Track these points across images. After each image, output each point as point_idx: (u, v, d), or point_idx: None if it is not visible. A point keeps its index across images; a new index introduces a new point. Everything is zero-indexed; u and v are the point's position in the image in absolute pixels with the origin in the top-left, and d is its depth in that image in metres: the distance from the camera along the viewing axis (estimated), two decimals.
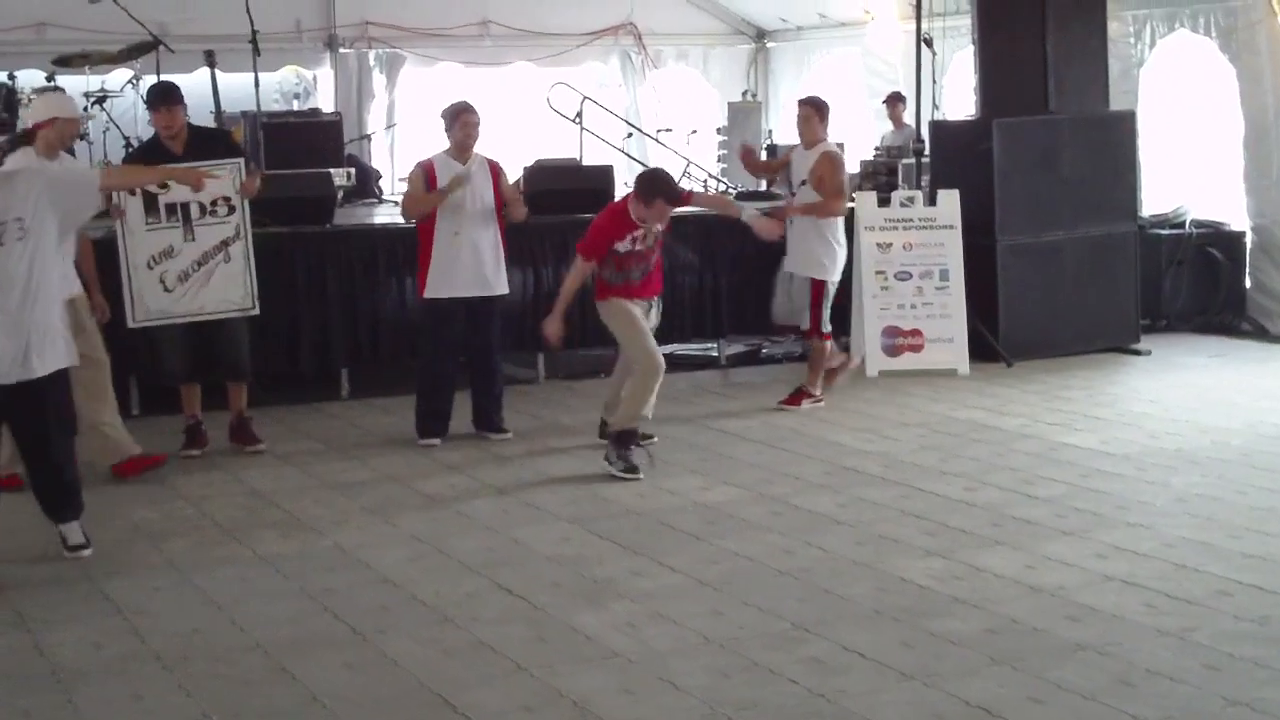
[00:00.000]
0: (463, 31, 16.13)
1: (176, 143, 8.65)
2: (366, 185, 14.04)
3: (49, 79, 13.57)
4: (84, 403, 8.00)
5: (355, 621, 5.99)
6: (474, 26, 16.19)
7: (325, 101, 15.77)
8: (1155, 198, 13.02)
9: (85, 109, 13.44)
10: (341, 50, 15.83)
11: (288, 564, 6.80)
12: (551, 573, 6.62)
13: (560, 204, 11.11)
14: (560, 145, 14.13)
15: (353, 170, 13.28)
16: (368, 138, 15.59)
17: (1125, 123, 12.02)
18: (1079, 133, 11.63)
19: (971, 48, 12.20)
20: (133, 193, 8.37)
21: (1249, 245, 12.46)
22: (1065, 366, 11.16)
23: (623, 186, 12.11)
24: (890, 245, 11.05)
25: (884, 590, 6.27)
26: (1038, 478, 8.05)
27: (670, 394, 9.86)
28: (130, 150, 10.43)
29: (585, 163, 13.03)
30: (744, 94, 17.01)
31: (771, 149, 14.59)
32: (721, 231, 11.17)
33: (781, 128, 16.64)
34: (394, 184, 14.40)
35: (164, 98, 8.68)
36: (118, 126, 13.21)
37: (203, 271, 8.67)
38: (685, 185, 13.10)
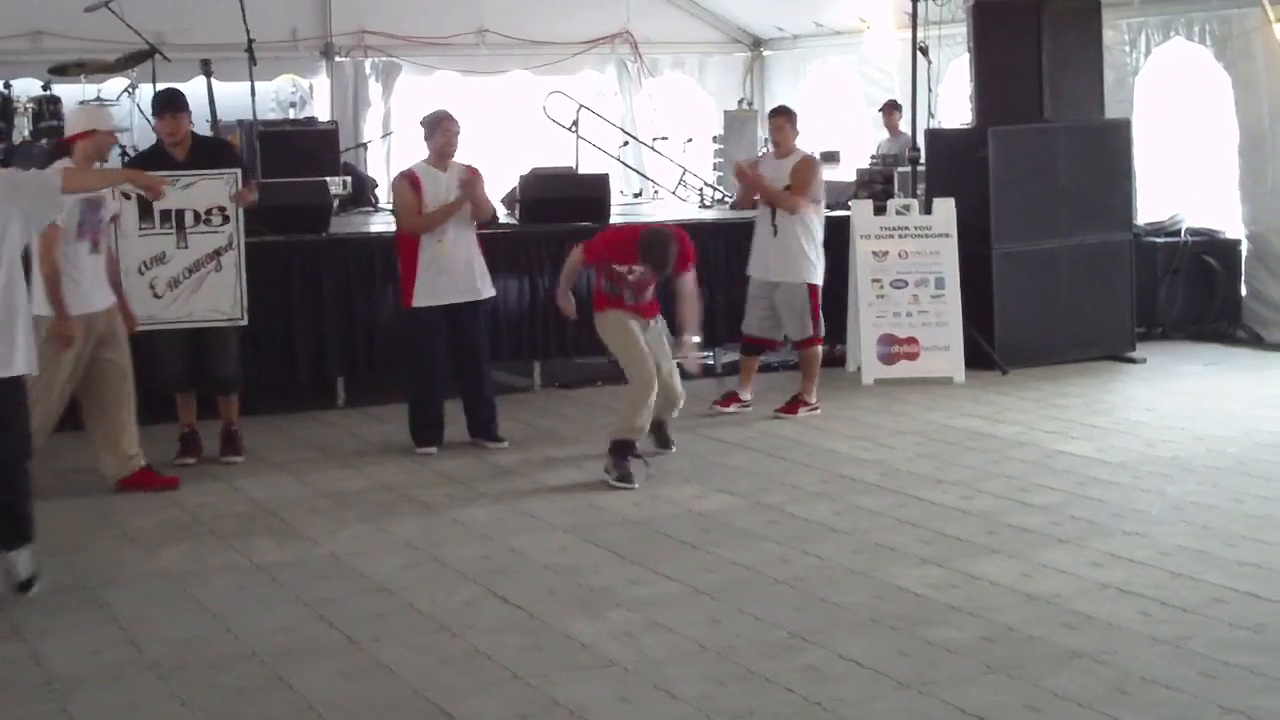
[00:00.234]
0: (459, 40, 16.13)
1: (179, 149, 8.69)
2: (362, 194, 14.04)
3: (45, 88, 13.57)
4: (108, 413, 8.05)
5: (351, 630, 5.98)
6: (470, 35, 16.19)
7: (321, 110, 15.77)
8: (1151, 206, 13.04)
9: None
10: (338, 59, 15.82)
11: (284, 572, 6.80)
12: (548, 581, 6.62)
13: (556, 212, 11.12)
14: (556, 154, 14.14)
15: (349, 179, 13.28)
16: (364, 146, 15.58)
17: (1120, 131, 12.03)
18: (1074, 141, 11.64)
19: (967, 56, 12.21)
20: (128, 197, 8.38)
21: (1244, 253, 12.48)
22: (1061, 374, 11.17)
23: (618, 195, 12.14)
24: (886, 253, 11.07)
25: (880, 598, 6.27)
26: (1034, 486, 8.05)
27: None
28: (130, 156, 10.44)
29: (581, 171, 13.04)
30: (740, 102, 17.02)
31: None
32: (715, 242, 11.18)
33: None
34: (389, 192, 14.38)
35: (169, 104, 8.74)
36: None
37: (194, 279, 8.69)
38: (681, 193, 13.16)
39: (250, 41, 11.63)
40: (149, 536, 7.44)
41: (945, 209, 11.11)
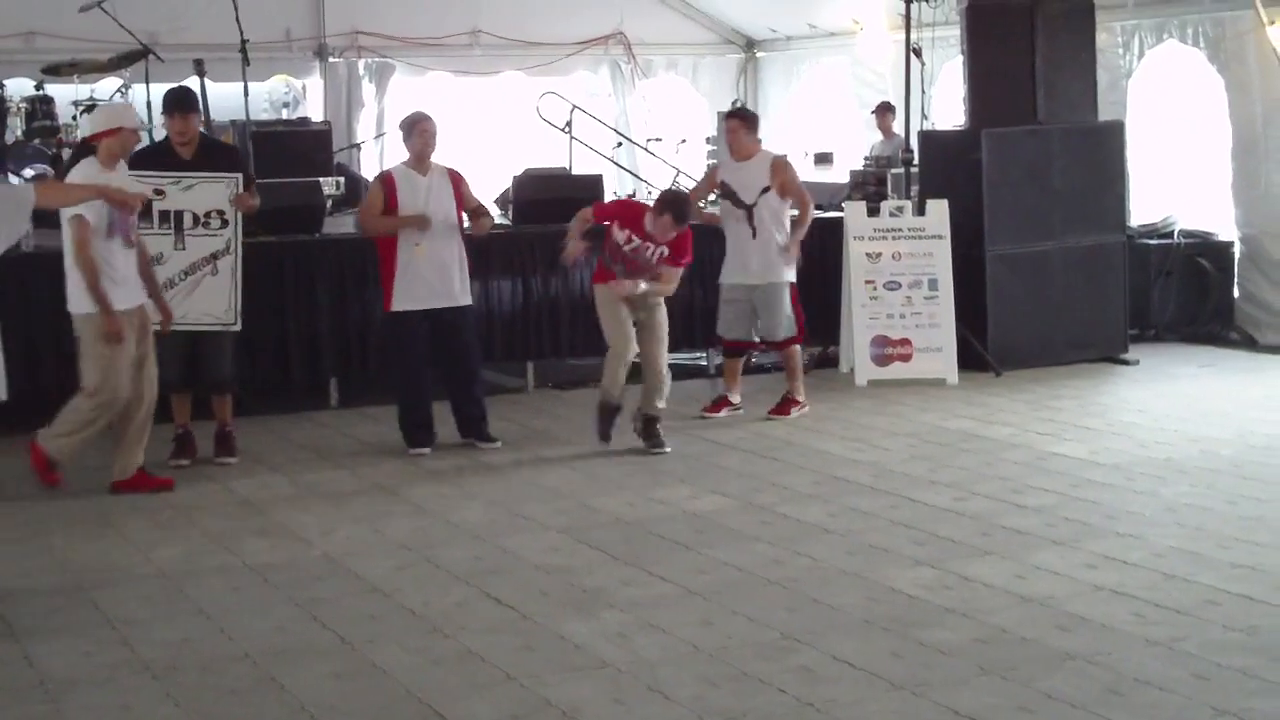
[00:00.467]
0: (453, 41, 16.11)
1: (187, 149, 8.72)
2: (355, 194, 13.98)
3: (38, 88, 13.57)
4: (135, 417, 8.08)
5: (344, 631, 5.98)
6: (464, 36, 16.17)
7: (315, 110, 15.75)
8: (1144, 208, 13.05)
9: (74, 118, 13.48)
10: (331, 59, 15.80)
11: (277, 573, 6.79)
12: (540, 582, 6.62)
13: (549, 213, 11.11)
14: (550, 154, 14.13)
15: (342, 179, 13.26)
16: (357, 147, 15.56)
17: (1114, 133, 12.05)
18: (1068, 143, 11.65)
19: (960, 58, 12.22)
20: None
21: (1237, 255, 12.50)
22: (1054, 376, 11.18)
23: (612, 195, 12.13)
24: (879, 255, 11.08)
25: (873, 600, 6.27)
26: (1027, 487, 8.06)
27: None
28: (138, 150, 10.45)
29: (575, 172, 13.03)
30: (733, 103, 16.96)
31: None
32: (709, 243, 11.16)
33: (771, 137, 16.63)
34: None
35: (179, 104, 8.78)
36: None
37: (189, 281, 8.69)
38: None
39: (244, 42, 11.61)
40: (143, 538, 7.43)
41: (939, 211, 11.12)
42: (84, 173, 7.83)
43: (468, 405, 9.27)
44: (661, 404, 9.16)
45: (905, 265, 11.06)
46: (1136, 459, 8.65)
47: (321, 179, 12.10)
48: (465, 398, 9.27)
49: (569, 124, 13.67)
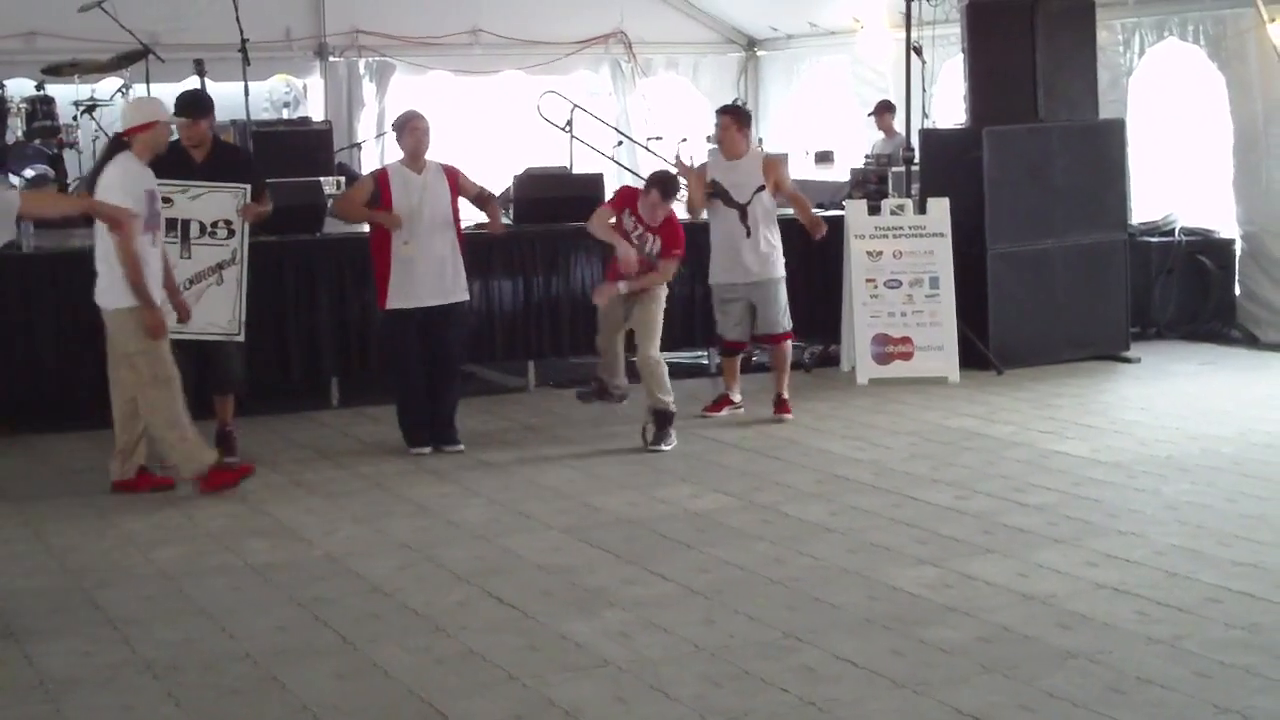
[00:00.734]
0: (453, 40, 16.10)
1: (199, 152, 8.71)
2: None
3: (38, 88, 13.57)
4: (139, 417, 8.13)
5: (345, 630, 5.97)
6: (464, 35, 16.17)
7: (315, 110, 15.74)
8: (1145, 206, 13.03)
9: (74, 118, 13.48)
10: (331, 59, 15.80)
11: (278, 573, 6.79)
12: (542, 581, 6.62)
13: (550, 212, 11.11)
14: (550, 153, 14.12)
15: (343, 179, 13.24)
16: (358, 146, 15.56)
17: (1115, 131, 12.04)
18: (1069, 141, 11.65)
19: (961, 56, 12.21)
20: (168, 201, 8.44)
21: (1238, 253, 12.49)
22: (1056, 374, 11.17)
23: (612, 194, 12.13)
24: (880, 253, 11.07)
25: (875, 598, 6.27)
26: (1029, 485, 8.05)
27: None
28: None
29: (575, 171, 13.03)
30: (734, 102, 16.99)
31: None
32: (708, 242, 11.16)
33: (772, 136, 16.68)
34: None
35: (190, 107, 8.77)
36: (107, 135, 13.14)
37: (193, 291, 8.66)
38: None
39: (244, 41, 11.61)
40: (144, 537, 7.43)
41: (940, 209, 11.12)
42: (123, 168, 7.80)
43: (439, 405, 9.20)
44: (666, 397, 9.12)
45: (906, 264, 11.06)
46: (1138, 457, 8.64)
47: (322, 178, 12.10)
48: (440, 399, 9.20)
49: (569, 123, 13.66)
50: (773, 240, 9.89)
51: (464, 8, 16.07)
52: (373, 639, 5.87)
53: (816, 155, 15.14)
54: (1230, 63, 12.05)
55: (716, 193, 9.89)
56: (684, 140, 15.64)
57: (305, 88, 15.98)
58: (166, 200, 8.43)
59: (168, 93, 9.89)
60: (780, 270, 9.92)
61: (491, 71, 16.57)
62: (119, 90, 13.48)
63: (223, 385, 8.98)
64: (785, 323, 9.95)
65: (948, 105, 13.78)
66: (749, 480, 8.34)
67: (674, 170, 9.97)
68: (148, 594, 6.53)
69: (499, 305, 10.92)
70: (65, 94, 13.64)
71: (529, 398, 10.97)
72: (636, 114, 17.17)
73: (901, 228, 11.14)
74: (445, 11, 15.97)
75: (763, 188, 9.79)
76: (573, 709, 5.13)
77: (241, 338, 8.84)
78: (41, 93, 13.54)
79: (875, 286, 11.04)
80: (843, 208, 11.61)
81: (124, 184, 7.74)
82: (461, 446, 9.16)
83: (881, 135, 14.46)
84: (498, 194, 11.95)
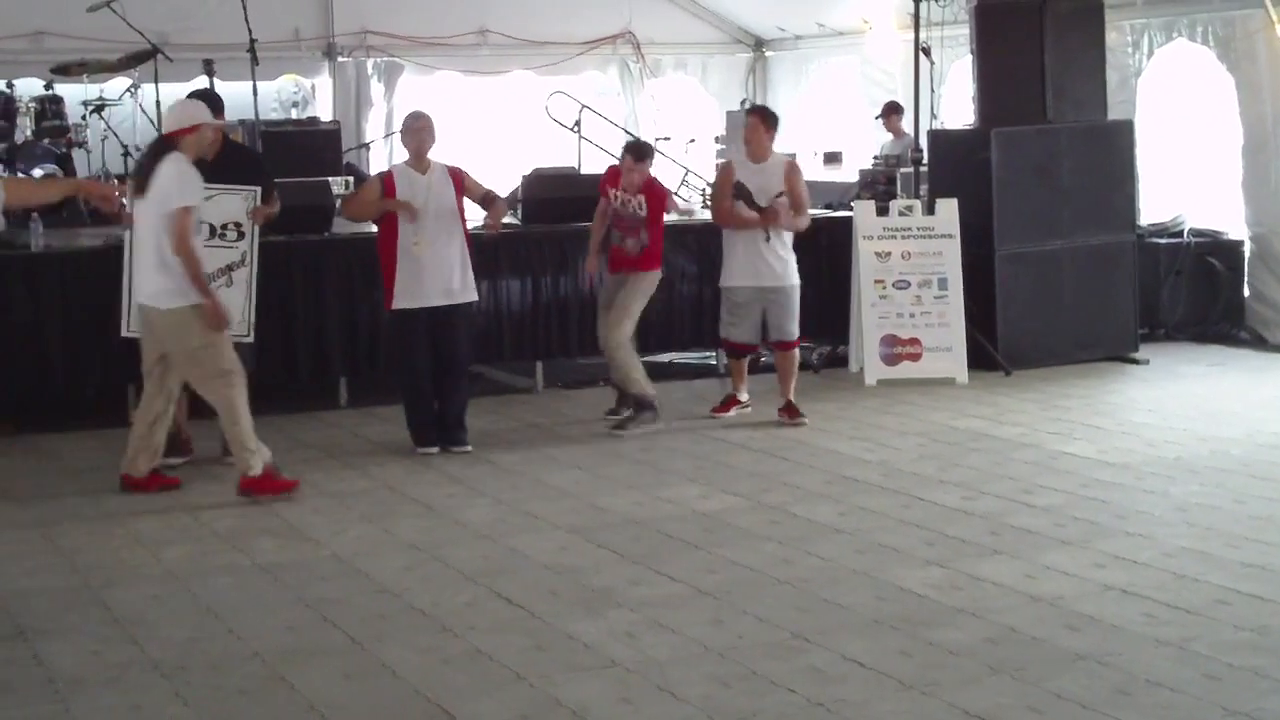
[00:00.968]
0: (461, 40, 16.11)
1: (210, 152, 8.68)
2: None
3: (47, 87, 13.59)
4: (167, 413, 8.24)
5: (353, 630, 5.98)
6: (472, 35, 16.17)
7: (324, 110, 15.76)
8: (1153, 207, 13.03)
9: (83, 118, 13.50)
10: (340, 59, 15.81)
11: (286, 573, 6.79)
12: (549, 581, 6.61)
13: (558, 212, 11.11)
14: (558, 154, 14.13)
15: (351, 179, 13.25)
16: (366, 146, 15.56)
17: (1123, 132, 12.03)
18: (1077, 142, 11.64)
19: (970, 57, 12.21)
20: None
21: (1247, 254, 12.47)
22: (1064, 375, 11.16)
23: None
24: (889, 254, 11.07)
25: (883, 599, 6.26)
26: (1037, 487, 8.05)
27: (668, 402, 9.93)
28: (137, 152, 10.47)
29: (583, 171, 13.02)
30: (742, 103, 16.94)
31: None
32: (716, 243, 11.16)
33: (780, 137, 16.55)
34: None
35: None
36: (116, 135, 13.21)
37: None
38: (684, 194, 13.17)
39: (252, 41, 11.63)
40: (151, 537, 7.43)
41: (948, 210, 11.11)
42: (178, 168, 7.79)
43: (446, 406, 9.21)
44: (635, 386, 9.48)
45: (914, 264, 11.05)
46: (1146, 458, 8.63)
47: (330, 179, 12.09)
48: (449, 400, 9.21)
49: (578, 123, 13.67)
50: (789, 247, 9.86)
51: (472, 8, 16.07)
52: (380, 639, 5.87)
53: (825, 156, 15.14)
54: (1239, 64, 12.04)
55: (740, 195, 9.76)
56: (692, 140, 15.68)
57: (313, 88, 16.00)
58: None
59: (176, 93, 9.90)
60: (796, 278, 9.87)
61: (500, 72, 16.57)
62: (127, 90, 13.49)
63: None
64: (796, 331, 9.93)
65: (956, 106, 13.78)
66: (757, 481, 8.34)
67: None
68: (156, 593, 6.53)
69: (507, 305, 10.91)
70: (74, 94, 13.65)
71: (536, 398, 10.97)
72: (645, 114, 17.17)
73: (910, 229, 11.13)
74: (453, 12, 15.98)
75: (782, 193, 9.75)
76: (580, 709, 5.13)
77: (251, 339, 8.83)
78: (50, 92, 13.56)
79: (884, 287, 11.03)
80: (851, 209, 11.61)
81: (181, 183, 7.77)
82: (469, 447, 9.16)
83: (890, 136, 14.46)
84: (505, 195, 11.99)
